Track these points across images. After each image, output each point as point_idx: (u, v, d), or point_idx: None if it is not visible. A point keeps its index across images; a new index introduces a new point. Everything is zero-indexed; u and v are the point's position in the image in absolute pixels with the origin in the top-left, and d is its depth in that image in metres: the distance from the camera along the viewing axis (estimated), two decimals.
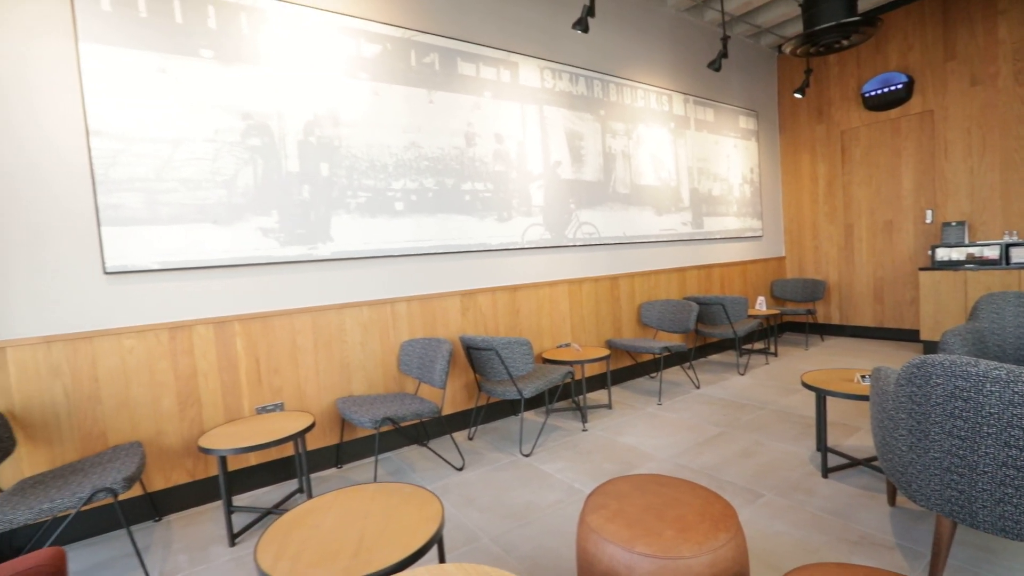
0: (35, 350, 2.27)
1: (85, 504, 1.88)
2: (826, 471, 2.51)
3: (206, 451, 2.20)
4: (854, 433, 3.05)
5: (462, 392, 3.51)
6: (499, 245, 3.61)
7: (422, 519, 1.44)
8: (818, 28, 3.43)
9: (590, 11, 3.13)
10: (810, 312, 5.40)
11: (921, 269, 4.77)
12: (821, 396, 2.58)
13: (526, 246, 3.77)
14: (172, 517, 2.55)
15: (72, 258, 2.34)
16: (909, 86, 5.09)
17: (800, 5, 4.80)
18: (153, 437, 2.53)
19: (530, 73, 3.80)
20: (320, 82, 2.90)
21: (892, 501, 2.22)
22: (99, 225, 2.37)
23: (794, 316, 6.32)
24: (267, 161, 2.76)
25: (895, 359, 4.74)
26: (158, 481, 2.55)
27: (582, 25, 3.19)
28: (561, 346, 3.99)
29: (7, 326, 2.22)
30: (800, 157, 6.14)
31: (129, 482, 1.98)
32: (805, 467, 2.63)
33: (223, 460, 2.30)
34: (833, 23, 3.41)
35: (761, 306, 5.35)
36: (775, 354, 5.22)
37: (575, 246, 4.10)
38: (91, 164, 2.35)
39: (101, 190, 2.37)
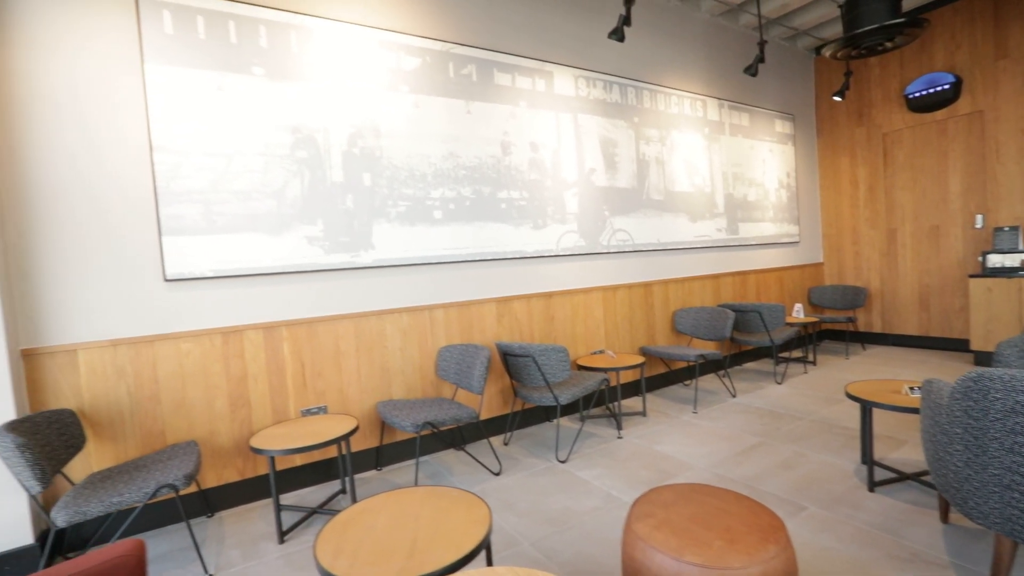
0: (103, 352, 2.42)
1: (149, 499, 1.99)
2: (873, 485, 2.45)
3: (258, 451, 2.30)
4: (901, 446, 2.96)
5: (497, 397, 3.56)
6: (534, 252, 3.66)
7: (471, 522, 1.49)
8: (860, 31, 3.36)
9: (626, 21, 3.15)
10: (850, 320, 5.25)
11: (971, 276, 4.59)
12: (867, 408, 2.52)
13: (561, 253, 3.80)
14: (223, 513, 2.67)
15: (137, 266, 2.48)
16: (957, 86, 4.92)
17: (840, 7, 4.71)
18: (207, 436, 2.66)
19: (564, 82, 3.84)
20: (363, 95, 3.01)
21: (945, 518, 2.15)
22: (160, 235, 2.51)
23: (833, 324, 6.15)
24: (313, 172, 2.87)
25: (944, 370, 4.57)
26: (211, 478, 2.67)
27: (618, 35, 3.21)
28: (595, 353, 4.00)
29: (80, 330, 2.37)
30: (839, 161, 5.99)
31: (189, 479, 2.09)
32: (850, 480, 2.57)
33: (272, 460, 2.40)
34: (876, 25, 3.33)
35: (799, 313, 5.23)
36: (814, 363, 5.09)
37: (609, 253, 4.11)
38: (154, 177, 2.49)
39: (163, 202, 2.51)
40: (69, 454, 2.19)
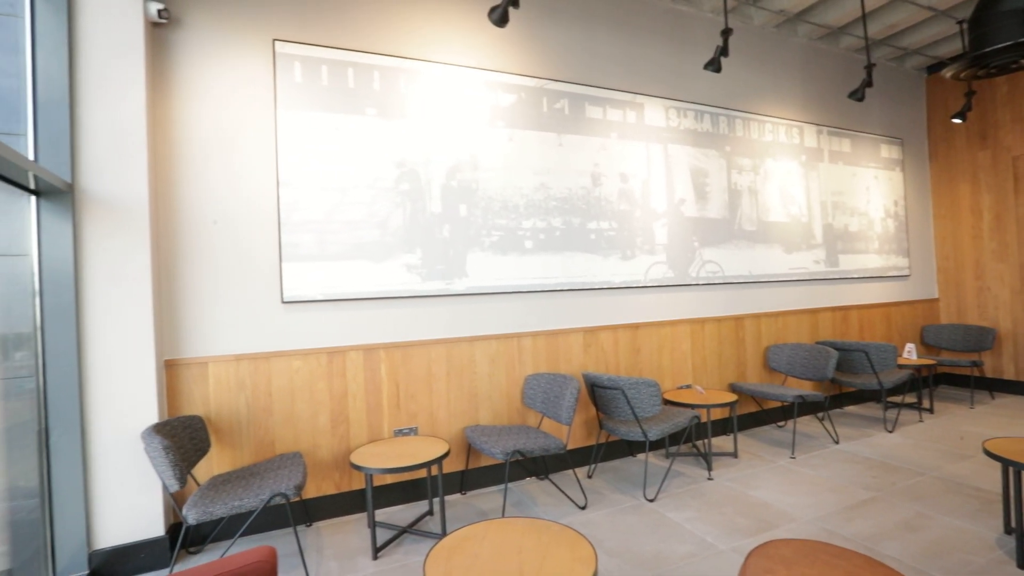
0: (228, 366, 2.68)
1: (264, 505, 2.15)
2: (1022, 561, 2.14)
3: (358, 468, 2.41)
4: None
5: (581, 428, 3.51)
6: (622, 283, 3.62)
7: (575, 560, 1.47)
8: (991, 49, 3.09)
9: (723, 51, 3.11)
10: (975, 364, 4.68)
11: None
12: (1016, 470, 2.22)
13: (648, 284, 3.73)
14: (320, 524, 2.81)
15: (261, 288, 2.74)
16: None
17: (960, 24, 4.37)
18: (309, 449, 2.83)
19: (655, 113, 3.83)
20: (462, 131, 3.17)
21: None
22: (281, 261, 2.77)
23: (954, 368, 5.51)
24: (414, 204, 3.04)
25: None
26: (310, 489, 2.84)
27: (715, 66, 3.17)
28: (682, 387, 3.85)
29: (211, 344, 2.64)
30: (957, 187, 5.45)
31: (299, 489, 2.23)
32: (992, 552, 2.26)
33: (370, 478, 2.51)
34: (1010, 43, 3.05)
35: (910, 354, 4.74)
36: (930, 411, 4.57)
37: (698, 285, 3.98)
38: (279, 209, 2.76)
39: (284, 231, 2.77)
40: (197, 457, 2.43)
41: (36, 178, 2.02)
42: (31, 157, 2.20)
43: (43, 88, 2.22)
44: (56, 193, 2.23)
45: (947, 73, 3.43)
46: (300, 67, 2.81)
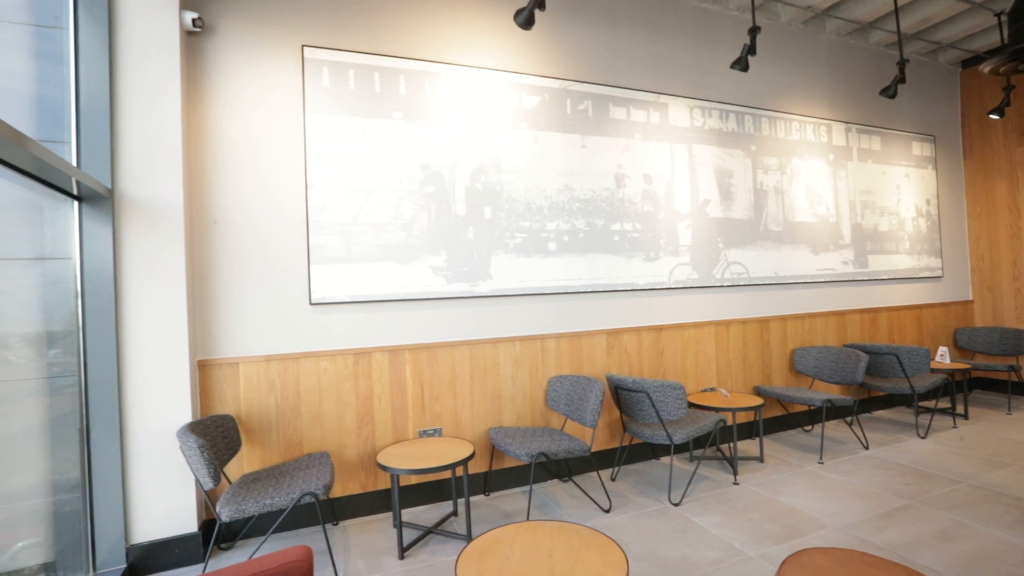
0: (258, 366, 2.73)
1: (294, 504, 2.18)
2: None
3: (385, 468, 2.44)
4: None
5: (604, 430, 3.50)
6: (646, 285, 3.59)
7: (607, 565, 1.46)
8: None
9: (751, 50, 3.06)
10: (1013, 368, 4.52)
11: None
12: None
13: (672, 286, 3.70)
14: (347, 523, 2.85)
15: (290, 290, 2.79)
16: None
17: (999, 16, 4.23)
18: (336, 449, 2.87)
19: (679, 113, 3.79)
20: (487, 133, 3.19)
21: None
22: (309, 263, 2.81)
23: (989, 372, 5.34)
24: (439, 206, 3.07)
25: None
26: (337, 489, 2.88)
27: (741, 64, 3.13)
28: (706, 390, 3.80)
29: (242, 345, 2.70)
30: (994, 185, 5.28)
31: (327, 489, 2.27)
32: None
33: (396, 478, 2.53)
34: None
35: (943, 358, 4.61)
36: (965, 416, 4.44)
37: (723, 287, 3.93)
38: (307, 212, 2.81)
39: (312, 233, 2.82)
40: (229, 455, 2.48)
41: (79, 184, 2.09)
42: (74, 163, 2.28)
43: (85, 97, 2.30)
44: (97, 198, 2.30)
45: (985, 68, 3.32)
46: (328, 72, 2.85)
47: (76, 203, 2.28)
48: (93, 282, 2.31)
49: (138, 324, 2.40)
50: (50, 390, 2.16)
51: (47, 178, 1.95)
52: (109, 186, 2.33)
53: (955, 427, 4.18)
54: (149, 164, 2.42)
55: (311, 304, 2.83)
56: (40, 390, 2.11)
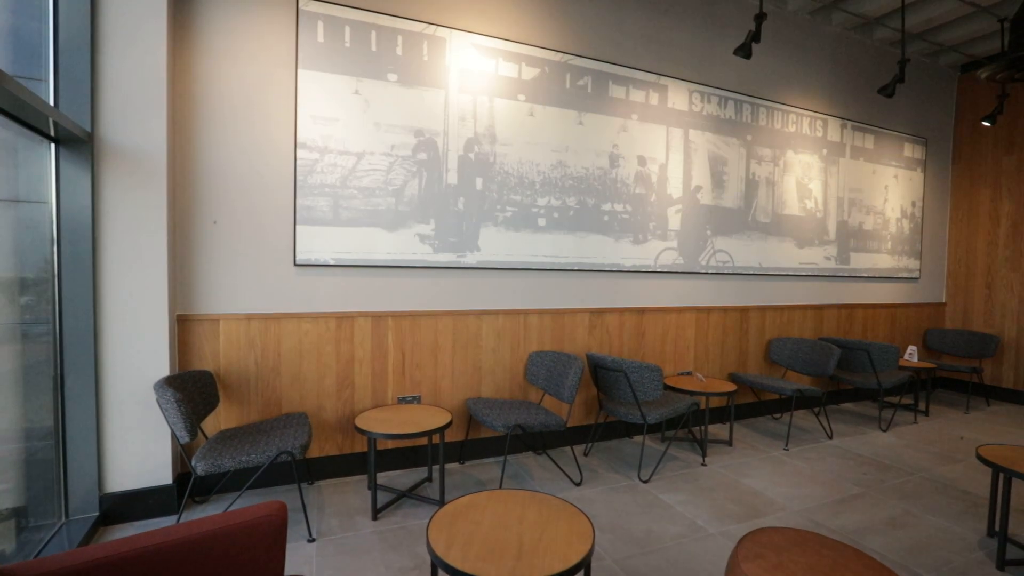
0: (239, 324, 2.71)
1: (270, 462, 2.21)
2: (1002, 563, 2.20)
3: (362, 432, 2.47)
4: None
5: (580, 407, 3.57)
6: (632, 267, 3.62)
7: (573, 534, 1.52)
8: None
9: (755, 37, 3.03)
10: (975, 371, 4.70)
11: None
12: (1006, 477, 2.26)
13: (658, 270, 3.73)
14: (322, 483, 2.89)
15: (274, 249, 2.76)
16: None
17: (1002, 21, 4.23)
18: (314, 411, 2.89)
19: (678, 96, 3.76)
20: (483, 103, 3.13)
21: None
22: (295, 223, 2.77)
23: (953, 373, 5.54)
24: (430, 174, 3.03)
25: None
26: (313, 449, 2.91)
27: (745, 51, 3.09)
28: (682, 374, 3.89)
29: (224, 302, 2.67)
30: (978, 192, 5.38)
31: (304, 448, 2.29)
32: (972, 552, 2.32)
33: (374, 442, 2.56)
34: None
35: (912, 356, 4.76)
36: (925, 413, 4.62)
37: (707, 274, 3.98)
38: (295, 172, 2.75)
39: (300, 194, 2.76)
40: (206, 411, 2.48)
41: (56, 125, 2.01)
42: (51, 103, 2.19)
43: (64, 31, 2.19)
44: (75, 141, 2.22)
45: (982, 73, 3.34)
46: (323, 26, 2.75)
47: (53, 145, 2.20)
48: (70, 228, 2.25)
49: (116, 273, 2.35)
50: (22, 336, 2.12)
51: (22, 116, 1.87)
52: (89, 129, 2.25)
53: (915, 423, 4.35)
54: (133, 110, 2.33)
55: (295, 265, 2.80)
56: (11, 336, 2.07)
